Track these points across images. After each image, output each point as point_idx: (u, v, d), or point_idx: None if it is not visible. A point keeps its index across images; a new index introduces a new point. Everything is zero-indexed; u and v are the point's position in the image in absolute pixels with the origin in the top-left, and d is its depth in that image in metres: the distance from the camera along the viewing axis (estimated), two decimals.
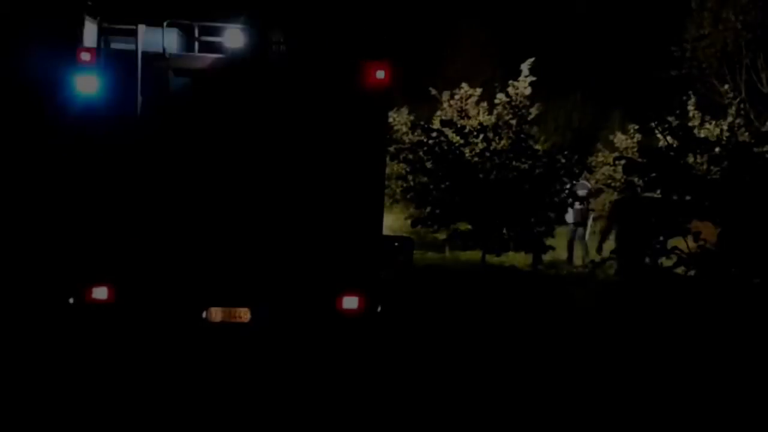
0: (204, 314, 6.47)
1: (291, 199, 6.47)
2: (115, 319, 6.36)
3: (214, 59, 6.37)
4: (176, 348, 6.37)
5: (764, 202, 4.73)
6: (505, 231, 11.14)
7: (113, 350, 6.33)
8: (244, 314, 6.53)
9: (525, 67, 11.73)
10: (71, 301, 6.36)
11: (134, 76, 6.20)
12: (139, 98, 6.22)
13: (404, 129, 13.12)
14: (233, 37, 6.41)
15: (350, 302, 6.60)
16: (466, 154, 11.23)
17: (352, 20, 6.79)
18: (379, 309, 6.78)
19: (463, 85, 12.59)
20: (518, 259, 13.33)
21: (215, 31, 6.54)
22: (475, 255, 12.69)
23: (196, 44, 6.60)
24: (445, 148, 11.18)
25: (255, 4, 6.72)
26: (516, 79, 11.79)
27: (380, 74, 6.47)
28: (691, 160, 5.60)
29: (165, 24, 6.29)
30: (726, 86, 18.79)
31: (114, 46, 6.42)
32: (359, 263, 6.61)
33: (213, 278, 6.44)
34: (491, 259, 12.24)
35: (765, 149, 5.13)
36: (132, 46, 6.22)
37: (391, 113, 14.62)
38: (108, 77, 6.24)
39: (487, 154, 11.00)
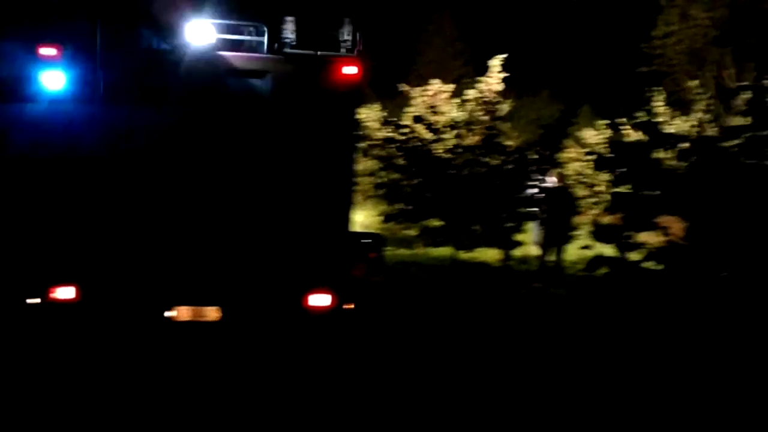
0: (170, 313, 6.39)
1: (260, 196, 6.42)
2: (79, 319, 6.25)
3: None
4: (142, 347, 6.28)
5: (730, 196, 4.77)
6: (476, 227, 11.16)
7: (76, 350, 6.22)
8: (214, 313, 6.47)
9: (495, 63, 11.73)
10: (34, 300, 6.23)
11: (97, 73, 6.10)
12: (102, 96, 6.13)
13: (376, 125, 13.06)
14: (200, 32, 6.32)
15: (320, 299, 6.58)
16: (438, 150, 11.22)
17: (323, 16, 6.74)
18: (349, 306, 6.75)
19: (435, 81, 12.56)
20: (490, 254, 13.34)
21: (183, 27, 6.44)
22: (446, 251, 12.69)
23: (164, 40, 6.51)
24: (417, 144, 11.16)
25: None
26: (486, 75, 11.79)
27: (351, 70, 6.44)
28: (661, 155, 5.65)
29: (131, 20, 6.19)
30: (695, 81, 18.96)
31: (77, 43, 6.31)
32: (329, 260, 6.58)
33: (181, 277, 6.36)
34: (463, 255, 12.24)
35: (731, 144, 5.17)
36: (94, 43, 6.11)
37: (362, 109, 14.54)
38: (71, 74, 6.12)
39: (459, 150, 11.02)
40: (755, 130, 5.08)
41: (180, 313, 6.43)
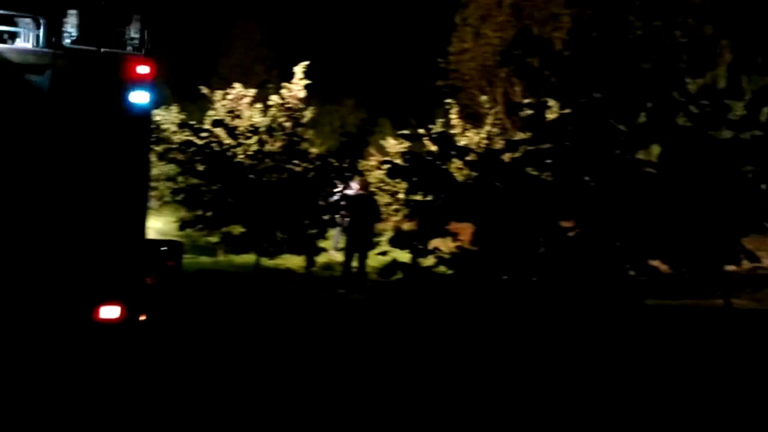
0: None
1: (41, 202, 5.92)
2: None
3: None
4: None
5: (510, 205, 5.10)
6: (279, 233, 11.12)
7: None
8: None
9: (299, 69, 11.77)
10: None
11: None
12: None
13: (173, 128, 12.62)
14: None
15: (110, 312, 6.19)
16: (239, 156, 11.05)
17: (109, 11, 6.36)
18: (142, 318, 6.43)
19: (236, 84, 12.38)
20: (294, 261, 13.36)
21: None
22: (249, 258, 12.53)
23: None
24: (217, 149, 10.94)
25: None
26: (290, 81, 11.80)
27: (143, 69, 6.13)
28: (459, 165, 5.92)
29: None
30: (484, 97, 20.27)
31: None
32: (119, 270, 6.22)
33: None
34: (266, 262, 12.14)
35: (513, 156, 5.52)
36: None
37: (158, 111, 13.99)
38: None
39: (260, 155, 10.93)
40: (534, 143, 5.45)
41: None
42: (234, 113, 11.70)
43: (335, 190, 11.63)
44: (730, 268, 5.70)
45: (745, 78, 5.52)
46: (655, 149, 5.55)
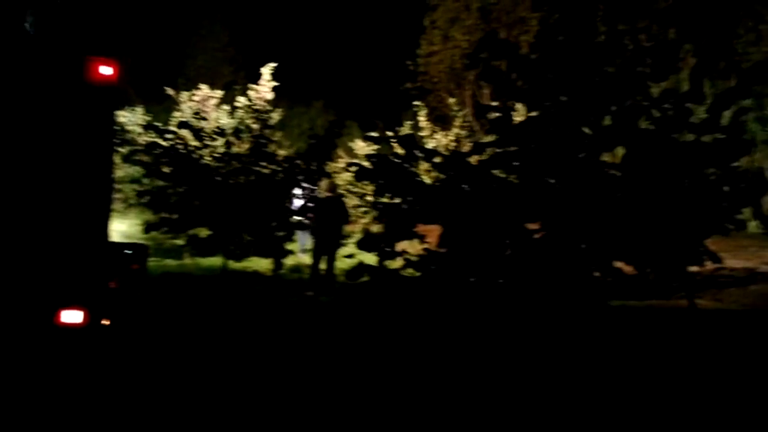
0: None
1: (0, 204, 5.80)
2: None
3: None
4: None
5: (476, 207, 5.12)
6: (245, 236, 11.04)
7: None
8: None
9: (266, 71, 11.70)
10: None
11: None
12: None
13: (138, 129, 12.48)
14: None
15: (72, 316, 6.07)
16: (205, 158, 10.96)
17: (76, 11, 6.27)
18: (105, 322, 6.32)
19: (203, 86, 12.26)
20: (262, 264, 13.27)
21: None
22: (216, 261, 12.42)
23: None
24: (182, 150, 10.83)
25: None
26: (257, 83, 11.72)
27: (107, 70, 6.04)
28: (428, 167, 5.91)
29: None
30: (453, 99, 20.34)
31: None
32: (82, 274, 6.11)
33: None
34: (233, 264, 12.04)
35: (480, 158, 5.54)
36: None
37: (124, 112, 13.82)
38: None
39: (227, 157, 10.85)
40: (501, 146, 5.47)
41: None
42: (200, 115, 11.58)
43: (295, 192, 11.60)
44: (694, 268, 5.79)
45: (707, 82, 5.61)
46: (620, 151, 5.62)
